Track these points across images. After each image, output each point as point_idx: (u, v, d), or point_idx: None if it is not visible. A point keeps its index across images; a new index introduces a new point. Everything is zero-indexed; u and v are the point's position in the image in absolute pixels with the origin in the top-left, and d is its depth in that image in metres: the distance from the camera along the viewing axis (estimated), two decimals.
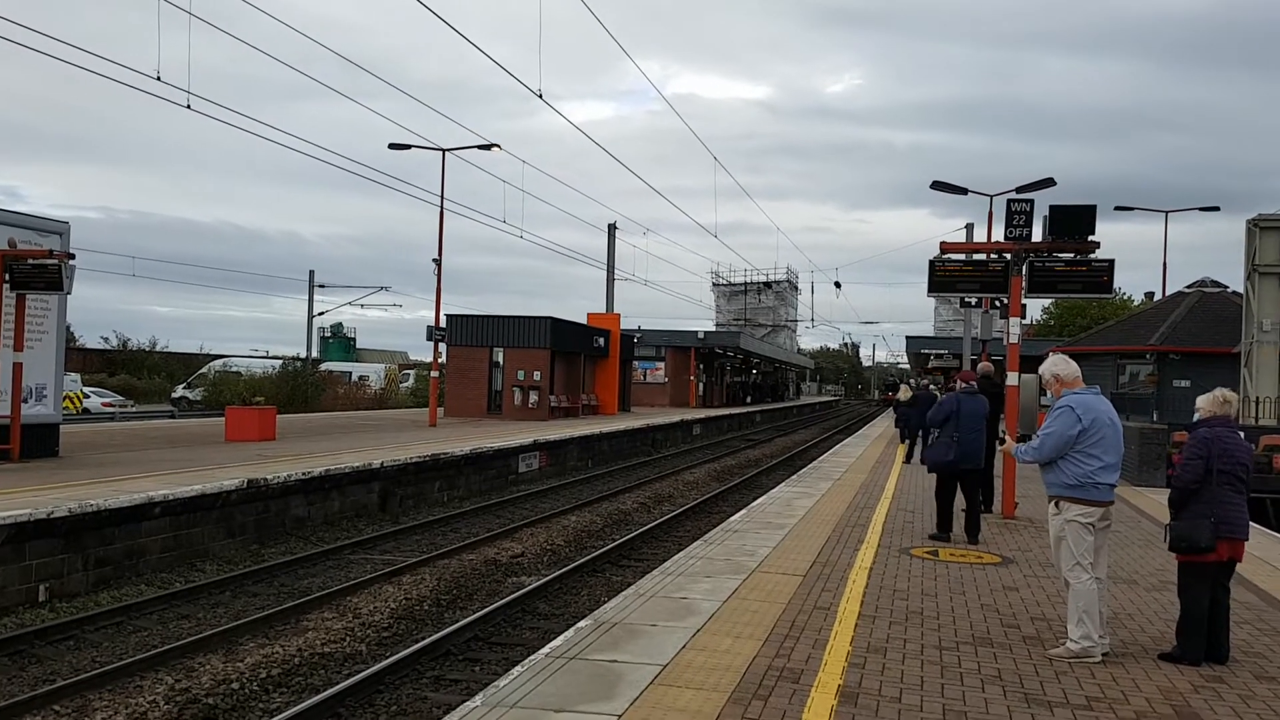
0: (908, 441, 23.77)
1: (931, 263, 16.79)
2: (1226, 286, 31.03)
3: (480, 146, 28.17)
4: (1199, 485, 6.49)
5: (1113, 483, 6.74)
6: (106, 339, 63.34)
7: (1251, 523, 7.15)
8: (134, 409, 42.48)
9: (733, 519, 12.89)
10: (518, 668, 6.14)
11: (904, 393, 26.47)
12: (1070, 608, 6.71)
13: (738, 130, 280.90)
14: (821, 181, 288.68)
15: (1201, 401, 6.83)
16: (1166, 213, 39.67)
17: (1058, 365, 7.09)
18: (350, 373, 54.51)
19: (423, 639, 9.58)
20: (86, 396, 41.17)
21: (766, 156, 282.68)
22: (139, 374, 57.27)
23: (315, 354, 57.90)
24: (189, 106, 16.29)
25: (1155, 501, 15.52)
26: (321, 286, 55.56)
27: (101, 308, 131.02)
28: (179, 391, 49.42)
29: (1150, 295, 60.86)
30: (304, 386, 42.18)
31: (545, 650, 6.48)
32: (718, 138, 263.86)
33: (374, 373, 55.58)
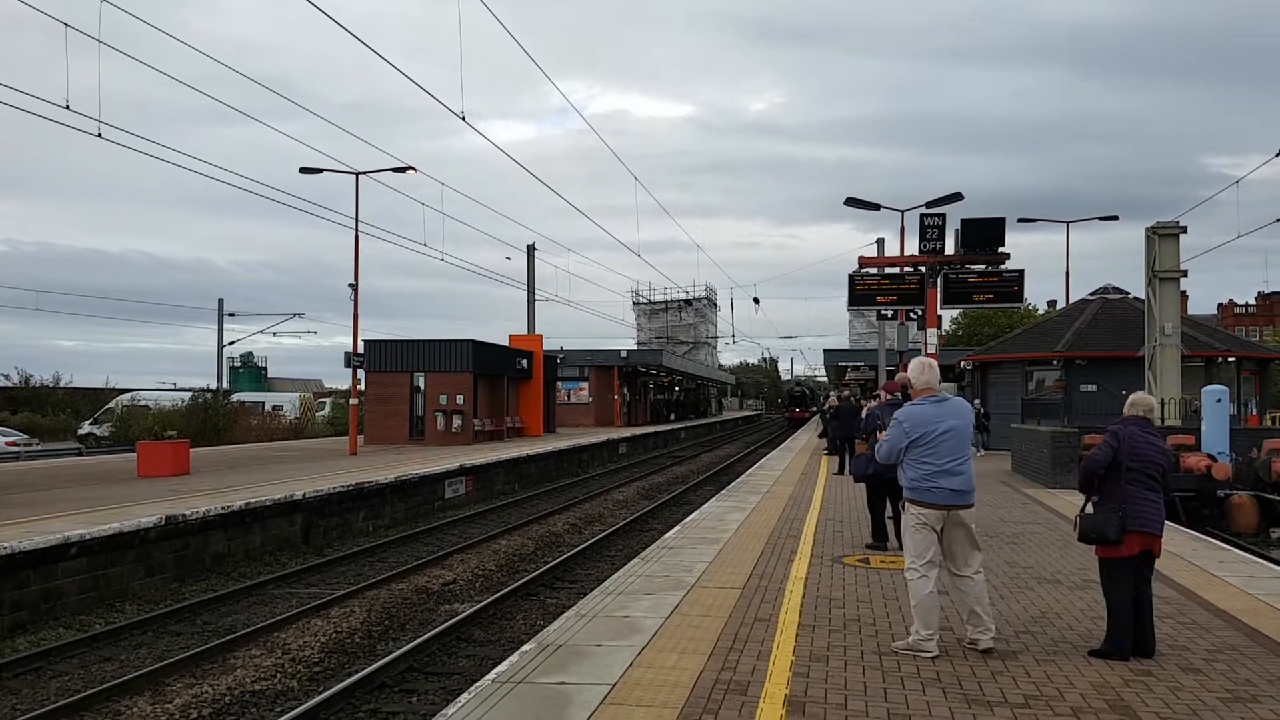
0: (830, 453, 24.15)
1: (851, 277, 17.18)
2: (1128, 293, 32.22)
3: (395, 169, 27.89)
4: (1103, 471, 6.76)
5: (952, 487, 6.89)
6: (7, 375, 60.95)
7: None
8: (39, 447, 40.86)
9: (668, 535, 12.93)
10: (465, 695, 6.07)
11: (832, 401, 27.08)
12: (910, 601, 7.08)
13: (669, 148, 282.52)
14: (751, 198, 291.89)
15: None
16: (1068, 223, 41.12)
17: (912, 371, 7.39)
18: (263, 403, 53.24)
19: (356, 672, 9.39)
20: None
21: (697, 174, 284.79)
22: (43, 411, 55.17)
23: (226, 385, 56.42)
24: (100, 135, 15.83)
25: (1070, 503, 15.98)
26: (231, 315, 54.25)
27: (1, 343, 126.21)
28: (85, 428, 47.74)
29: (1053, 304, 62.91)
30: (216, 418, 41.14)
31: (491, 676, 6.42)
32: (649, 156, 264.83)
33: (288, 402, 54.39)
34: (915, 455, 6.99)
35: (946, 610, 8.24)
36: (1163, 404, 21.98)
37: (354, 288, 29.04)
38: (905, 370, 18.98)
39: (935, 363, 7.44)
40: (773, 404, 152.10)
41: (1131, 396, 7.17)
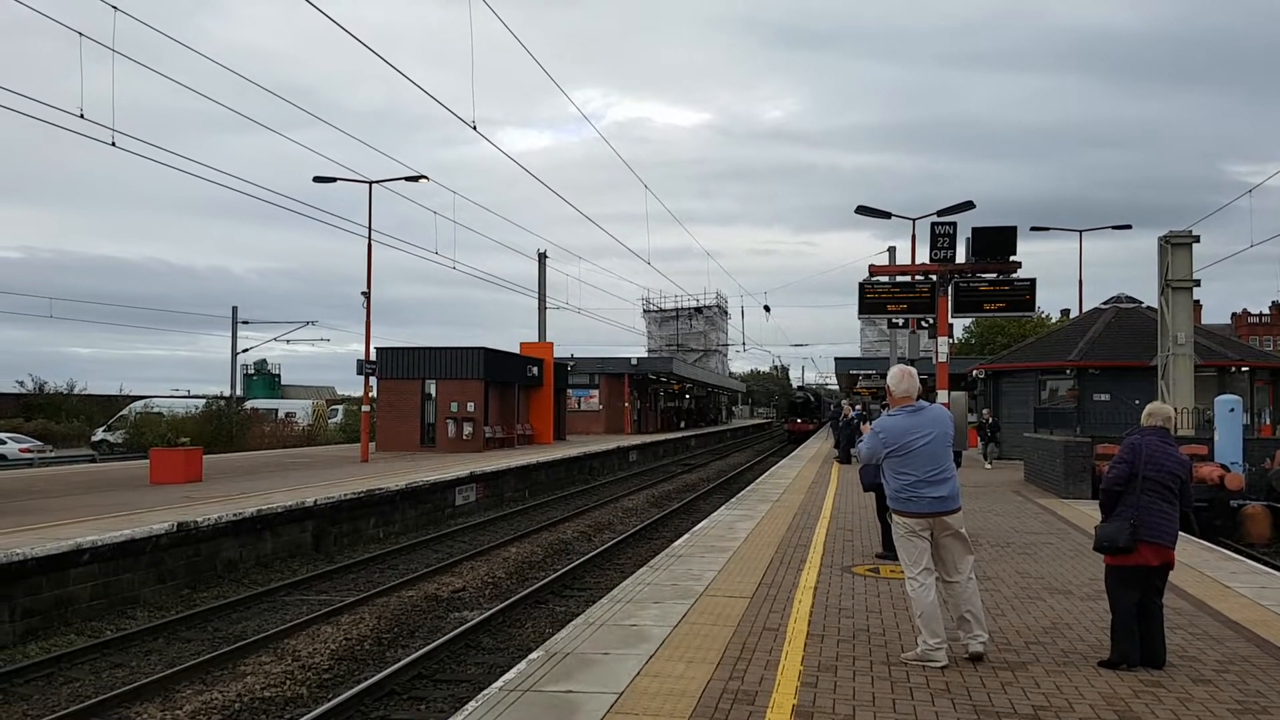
0: (841, 461, 24.16)
1: (861, 286, 17.14)
2: (1141, 302, 32.08)
3: (408, 178, 28.00)
4: (1122, 488, 6.74)
5: (936, 495, 6.91)
6: (22, 382, 61.22)
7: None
8: (53, 454, 41.09)
9: (676, 544, 12.92)
10: (472, 703, 6.08)
11: (847, 411, 27.22)
12: (911, 612, 7.04)
13: (688, 156, 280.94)
14: (768, 205, 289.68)
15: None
16: (1080, 232, 41.00)
17: (890, 380, 7.33)
18: (276, 410, 53.42)
19: (365, 679, 9.40)
20: (3, 442, 39.82)
21: (715, 181, 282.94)
22: (57, 418, 55.39)
23: (239, 392, 56.62)
24: (114, 144, 15.96)
25: (1082, 513, 15.93)
26: (245, 322, 54.40)
27: (17, 350, 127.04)
28: (99, 435, 47.94)
29: (1066, 313, 62.70)
30: (229, 425, 41.26)
31: (499, 684, 6.43)
32: (669, 163, 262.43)
33: (301, 409, 54.55)
34: (894, 466, 7.00)
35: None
36: (1175, 414, 21.87)
37: (367, 296, 29.17)
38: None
39: (914, 371, 7.40)
40: (784, 412, 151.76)
41: (1149, 406, 7.16)
